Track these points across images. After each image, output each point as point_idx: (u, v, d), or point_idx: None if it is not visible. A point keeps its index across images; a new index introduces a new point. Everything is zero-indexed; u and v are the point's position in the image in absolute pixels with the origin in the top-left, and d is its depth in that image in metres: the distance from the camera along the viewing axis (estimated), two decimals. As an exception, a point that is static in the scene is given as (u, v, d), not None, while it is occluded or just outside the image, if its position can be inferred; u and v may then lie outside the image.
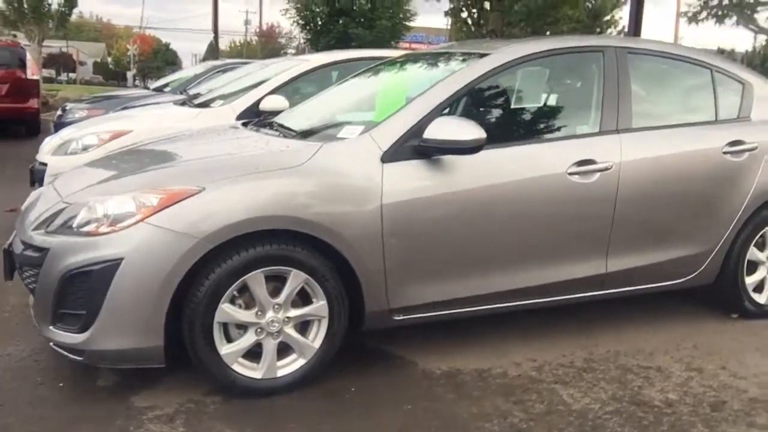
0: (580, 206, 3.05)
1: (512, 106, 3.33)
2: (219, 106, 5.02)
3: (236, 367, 2.57)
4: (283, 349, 2.67)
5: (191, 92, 7.04)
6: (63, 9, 19.09)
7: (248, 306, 2.57)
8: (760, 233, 3.55)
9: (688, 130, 3.38)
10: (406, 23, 21.80)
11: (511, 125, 3.22)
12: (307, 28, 21.44)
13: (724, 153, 3.36)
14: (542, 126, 3.29)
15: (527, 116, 3.46)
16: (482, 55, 3.10)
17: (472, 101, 3.12)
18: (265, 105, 4.65)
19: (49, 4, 18.58)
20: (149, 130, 4.36)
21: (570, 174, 2.99)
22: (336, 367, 2.81)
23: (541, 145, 3.08)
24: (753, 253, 3.56)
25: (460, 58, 3.28)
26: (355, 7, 20.21)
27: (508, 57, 3.07)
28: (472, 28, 14.87)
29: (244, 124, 3.69)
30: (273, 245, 2.54)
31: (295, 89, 5.04)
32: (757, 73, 3.84)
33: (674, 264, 3.34)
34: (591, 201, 3.07)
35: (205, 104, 5.23)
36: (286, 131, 3.21)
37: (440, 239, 2.81)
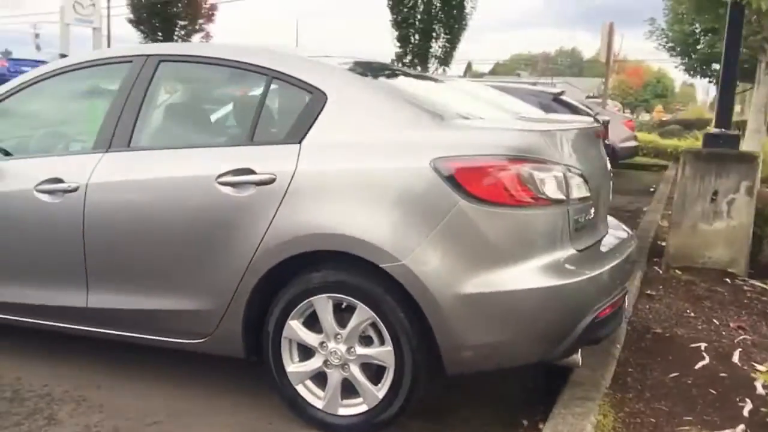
0: (49, 228, 2.85)
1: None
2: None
3: None
4: None
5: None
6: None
7: None
8: (303, 304, 2.44)
9: (188, 152, 2.72)
10: None
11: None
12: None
13: (220, 184, 2.51)
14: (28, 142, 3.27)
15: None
16: None
17: None
18: None
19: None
20: None
21: (39, 192, 2.85)
22: None
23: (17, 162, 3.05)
24: (294, 331, 2.48)
25: None
26: None
27: None
28: None
29: None
30: None
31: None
32: (357, 77, 2.58)
33: (172, 318, 2.68)
34: (58, 223, 2.82)
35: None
36: None
37: None
